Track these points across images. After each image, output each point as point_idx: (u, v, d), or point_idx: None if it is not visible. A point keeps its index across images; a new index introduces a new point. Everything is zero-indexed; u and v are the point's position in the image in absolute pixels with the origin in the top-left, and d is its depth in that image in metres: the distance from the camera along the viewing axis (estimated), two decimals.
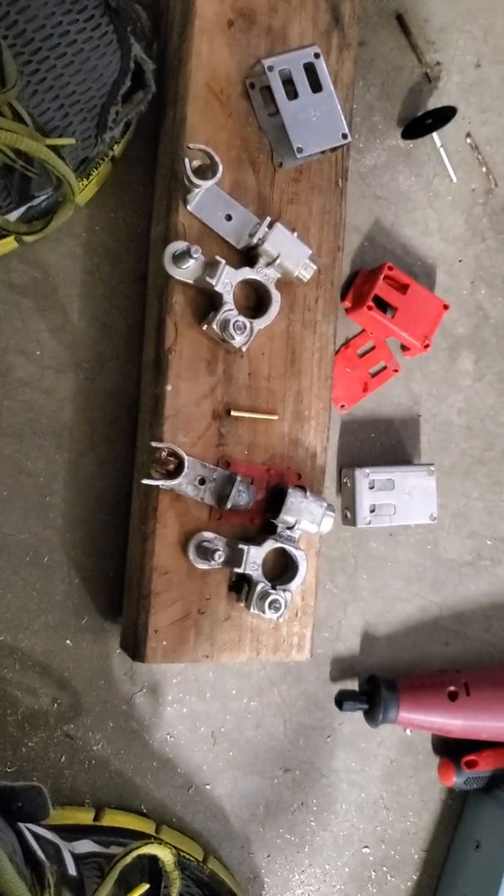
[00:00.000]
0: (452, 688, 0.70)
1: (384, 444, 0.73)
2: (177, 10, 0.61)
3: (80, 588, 0.64)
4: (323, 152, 0.60)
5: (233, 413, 0.60)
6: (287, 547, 0.60)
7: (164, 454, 0.56)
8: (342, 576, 0.72)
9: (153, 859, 0.59)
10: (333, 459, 0.72)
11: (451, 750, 0.74)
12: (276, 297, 0.59)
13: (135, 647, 0.59)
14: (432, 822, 0.75)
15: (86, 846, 0.59)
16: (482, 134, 0.75)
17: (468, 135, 0.74)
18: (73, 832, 0.61)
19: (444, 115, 0.70)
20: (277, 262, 0.58)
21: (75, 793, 0.65)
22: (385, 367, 0.72)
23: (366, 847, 0.73)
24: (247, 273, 0.58)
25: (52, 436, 0.63)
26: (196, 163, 0.55)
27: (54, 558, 0.64)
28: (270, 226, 0.57)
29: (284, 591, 0.59)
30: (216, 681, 0.69)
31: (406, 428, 0.74)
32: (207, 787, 0.69)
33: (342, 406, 0.71)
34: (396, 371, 0.72)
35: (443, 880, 0.75)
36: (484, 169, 0.75)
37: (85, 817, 0.64)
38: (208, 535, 0.59)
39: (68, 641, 0.64)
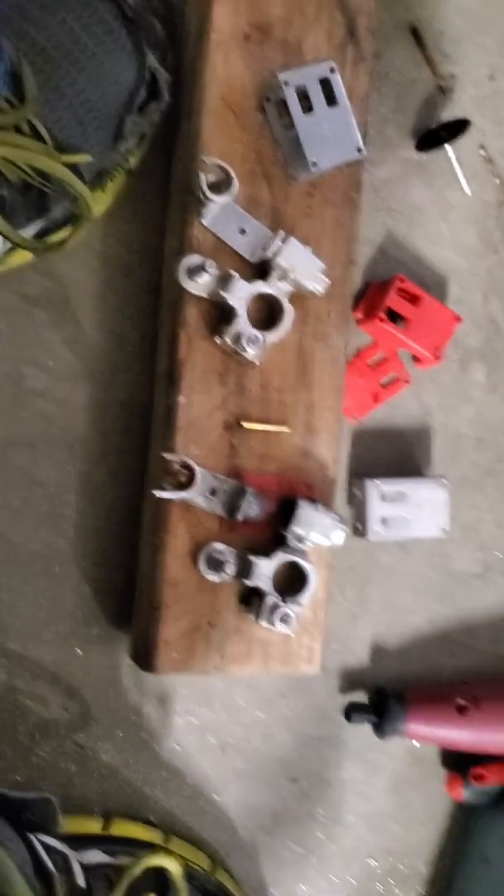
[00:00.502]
0: (461, 701, 0.70)
1: (394, 454, 0.73)
2: (192, 23, 0.61)
3: (90, 598, 0.65)
4: (338, 166, 0.60)
5: (244, 425, 0.60)
6: (297, 560, 0.60)
7: (175, 466, 0.56)
8: (351, 587, 0.72)
9: (160, 869, 0.59)
10: (344, 470, 0.72)
11: (459, 763, 0.74)
12: (288, 310, 0.59)
13: (145, 659, 0.59)
14: (440, 836, 0.75)
15: (94, 856, 0.59)
16: (496, 146, 0.75)
17: (482, 147, 0.74)
18: (81, 841, 0.61)
19: (458, 128, 0.70)
20: (291, 276, 0.58)
21: (84, 802, 0.65)
22: (396, 378, 0.72)
23: (372, 859, 0.73)
24: (260, 287, 0.58)
25: (65, 446, 0.64)
26: (211, 177, 0.56)
27: (65, 568, 0.64)
28: (284, 240, 0.58)
29: (295, 604, 0.60)
30: (225, 692, 0.69)
31: (416, 439, 0.74)
32: (215, 797, 0.69)
33: (353, 417, 0.71)
34: (407, 382, 0.72)
35: (451, 895, 0.75)
36: (497, 181, 0.75)
37: (93, 826, 0.64)
38: (219, 546, 0.59)
39: (78, 651, 0.65)
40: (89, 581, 0.64)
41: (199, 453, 0.59)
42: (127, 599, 0.64)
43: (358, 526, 0.70)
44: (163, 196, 0.65)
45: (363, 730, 0.72)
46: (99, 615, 0.65)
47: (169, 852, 0.61)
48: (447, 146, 0.71)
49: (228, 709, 0.69)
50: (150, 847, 0.63)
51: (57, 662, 0.64)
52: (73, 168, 0.55)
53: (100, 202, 0.60)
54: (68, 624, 0.64)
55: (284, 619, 0.59)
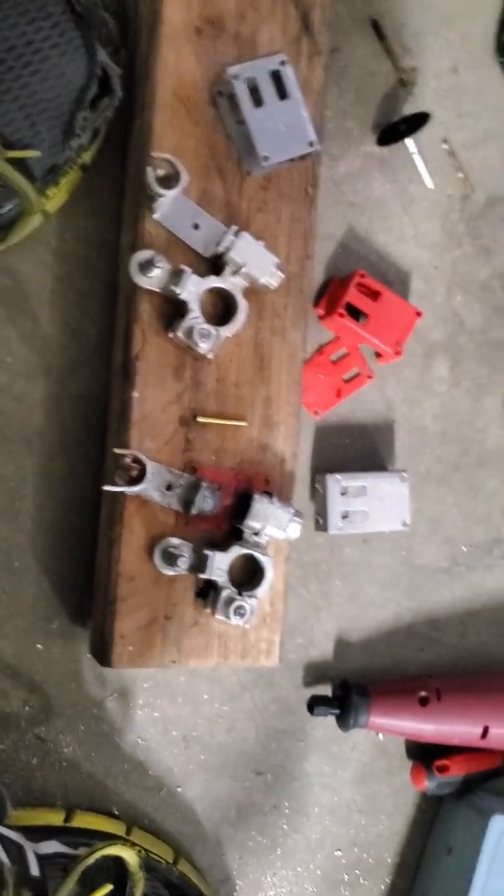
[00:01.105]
0: (423, 693, 0.70)
1: (358, 449, 0.73)
2: (145, 18, 0.61)
3: (50, 592, 0.65)
4: (291, 160, 0.60)
5: (200, 419, 0.60)
6: (254, 553, 0.60)
7: (127, 460, 0.56)
8: (315, 581, 0.72)
9: (120, 861, 0.59)
10: (307, 465, 0.72)
11: (424, 754, 0.75)
12: (242, 305, 0.59)
13: (101, 652, 0.60)
14: (406, 826, 0.76)
15: (52, 847, 0.59)
16: (459, 139, 0.75)
17: (445, 140, 0.75)
18: (41, 833, 0.61)
19: (418, 121, 0.70)
20: (244, 270, 0.58)
21: (46, 794, 0.66)
22: (358, 374, 0.72)
23: (338, 850, 0.74)
24: (213, 281, 0.58)
25: (22, 441, 0.64)
26: (160, 172, 0.56)
27: (24, 562, 0.64)
28: (237, 234, 0.58)
29: (251, 597, 0.60)
30: (187, 685, 0.69)
31: (381, 434, 0.74)
32: (179, 789, 0.69)
33: (316, 412, 0.72)
34: (370, 377, 0.72)
35: (416, 885, 0.75)
36: (461, 174, 0.75)
37: (55, 818, 0.64)
38: (174, 541, 0.59)
39: (39, 645, 0.65)
40: (49, 575, 0.65)
41: (154, 448, 0.59)
42: (87, 593, 0.65)
43: (319, 520, 0.71)
44: (119, 192, 0.65)
45: (328, 723, 0.72)
46: (59, 609, 0.65)
47: (126, 843, 0.62)
48: (408, 140, 0.71)
49: (191, 702, 0.69)
50: (112, 838, 0.64)
51: (17, 656, 0.64)
52: (23, 164, 0.55)
53: (53, 198, 0.61)
54: (28, 618, 0.64)
55: (240, 612, 0.59)
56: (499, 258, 0.76)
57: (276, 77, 0.59)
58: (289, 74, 0.59)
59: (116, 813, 0.68)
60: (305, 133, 0.59)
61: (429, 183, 0.73)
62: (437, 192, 0.74)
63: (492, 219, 0.76)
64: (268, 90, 0.58)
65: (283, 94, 0.59)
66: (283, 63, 0.59)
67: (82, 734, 0.66)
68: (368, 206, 0.73)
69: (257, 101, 0.58)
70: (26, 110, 0.54)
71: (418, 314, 0.70)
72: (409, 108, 0.73)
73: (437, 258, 0.75)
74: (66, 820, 0.64)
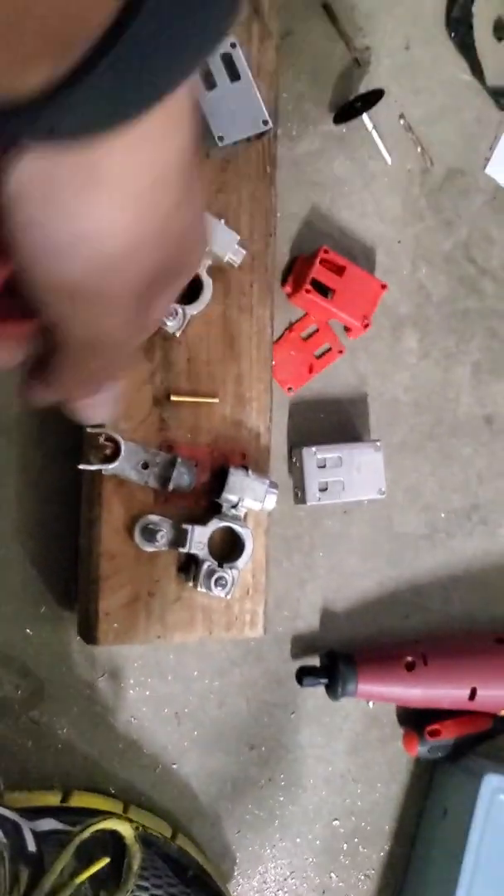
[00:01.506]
0: (410, 658, 0.71)
1: (333, 423, 0.75)
2: None
3: (36, 578, 0.66)
4: (249, 140, 0.61)
5: (173, 398, 0.61)
6: (233, 525, 0.62)
7: (101, 439, 0.57)
8: (298, 554, 0.74)
9: (117, 835, 0.61)
10: (284, 441, 0.73)
11: (415, 720, 0.76)
12: (207, 283, 0.61)
13: (88, 631, 0.61)
14: (401, 793, 0.77)
15: (49, 824, 0.60)
16: (416, 115, 0.76)
17: (401, 116, 0.76)
18: (38, 812, 0.63)
19: (373, 98, 0.71)
20: (206, 248, 0.60)
21: (43, 777, 0.67)
22: (330, 349, 0.74)
23: (336, 820, 0.75)
24: None
25: (2, 430, 0.65)
26: None
27: (10, 549, 0.65)
28: None
29: (232, 568, 0.61)
30: (177, 663, 0.70)
31: (354, 407, 0.75)
32: (174, 766, 0.70)
33: (289, 388, 0.73)
34: (341, 352, 0.74)
35: (414, 849, 0.76)
36: (419, 149, 0.76)
37: (52, 800, 0.65)
38: (153, 518, 0.60)
39: (28, 630, 0.66)
40: (34, 561, 0.66)
41: (130, 428, 0.60)
42: (72, 578, 0.66)
43: (298, 493, 0.72)
44: None
45: (318, 694, 0.74)
46: (46, 594, 0.66)
47: (121, 817, 0.63)
48: (364, 117, 0.73)
49: (181, 679, 0.70)
50: (109, 815, 0.65)
51: (7, 642, 0.66)
52: None
53: None
54: (16, 604, 0.66)
55: (221, 584, 0.60)
56: (460, 230, 0.77)
57: (228, 60, 0.60)
58: (239, 56, 0.60)
59: (113, 792, 0.69)
60: (259, 112, 0.60)
61: (388, 159, 0.75)
62: (397, 168, 0.76)
63: (451, 192, 0.77)
64: (219, 72, 0.60)
65: (234, 75, 0.60)
66: (233, 45, 0.60)
67: (76, 716, 0.68)
68: (329, 184, 0.74)
69: (210, 83, 0.60)
70: None
71: (383, 286, 0.71)
72: (365, 87, 0.75)
73: (400, 232, 0.76)
74: (64, 800, 0.66)
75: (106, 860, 0.57)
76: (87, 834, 0.57)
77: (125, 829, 0.59)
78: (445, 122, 0.77)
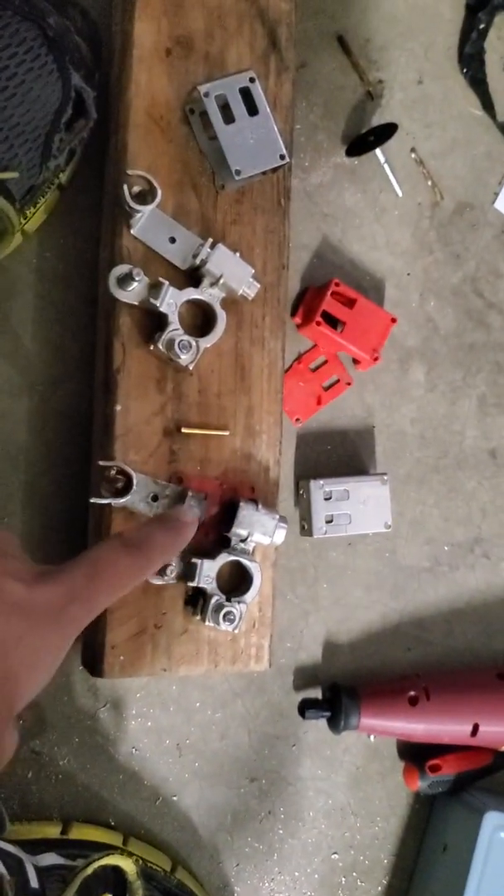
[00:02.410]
0: (413, 693, 0.71)
1: (340, 455, 0.75)
2: (116, 41, 0.62)
3: None
4: (264, 173, 0.61)
5: (183, 430, 0.61)
6: (241, 559, 0.61)
7: (112, 472, 0.57)
8: (302, 586, 0.73)
9: (118, 871, 0.60)
10: (290, 472, 0.73)
11: (415, 754, 0.75)
12: (221, 315, 0.60)
13: (93, 664, 0.60)
14: (400, 827, 0.76)
15: (50, 859, 0.60)
16: (426, 148, 0.77)
17: (413, 150, 0.76)
18: (39, 846, 0.62)
19: (386, 132, 0.72)
20: (221, 281, 0.59)
21: (43, 807, 0.66)
22: (338, 381, 0.74)
23: (335, 853, 0.74)
24: (191, 293, 0.59)
25: (8, 458, 0.65)
26: (136, 188, 0.57)
27: None
28: (213, 247, 0.59)
29: (240, 602, 0.61)
30: (179, 694, 0.70)
31: (361, 439, 0.75)
32: (174, 798, 0.70)
33: (297, 419, 0.73)
34: (349, 384, 0.74)
35: (413, 884, 0.76)
36: (430, 182, 0.77)
37: (52, 831, 0.65)
38: None
39: None
40: None
41: (139, 460, 0.60)
42: None
43: (304, 525, 0.72)
44: (97, 210, 0.66)
45: (319, 726, 0.73)
46: None
47: (123, 852, 0.62)
48: (377, 150, 0.73)
49: (184, 710, 0.70)
50: (109, 849, 0.64)
51: None
52: (2, 185, 0.56)
53: (32, 218, 0.62)
54: None
55: (229, 618, 0.60)
56: (469, 264, 0.78)
57: (246, 93, 0.60)
58: (258, 91, 0.60)
59: (113, 824, 0.68)
60: (276, 146, 0.60)
61: (399, 192, 0.75)
62: (408, 201, 0.76)
63: (461, 225, 0.77)
64: (238, 106, 0.60)
65: (252, 109, 0.60)
66: (251, 80, 0.60)
67: (76, 746, 0.67)
68: (341, 215, 0.74)
69: (228, 117, 0.60)
70: (4, 133, 0.55)
71: (393, 320, 0.71)
72: (377, 120, 0.75)
73: (410, 265, 0.76)
74: (63, 832, 0.65)
75: None
76: (90, 870, 0.56)
77: (127, 865, 0.59)
78: (456, 157, 0.77)
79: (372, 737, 0.75)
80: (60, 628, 0.39)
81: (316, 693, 0.74)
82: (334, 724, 0.71)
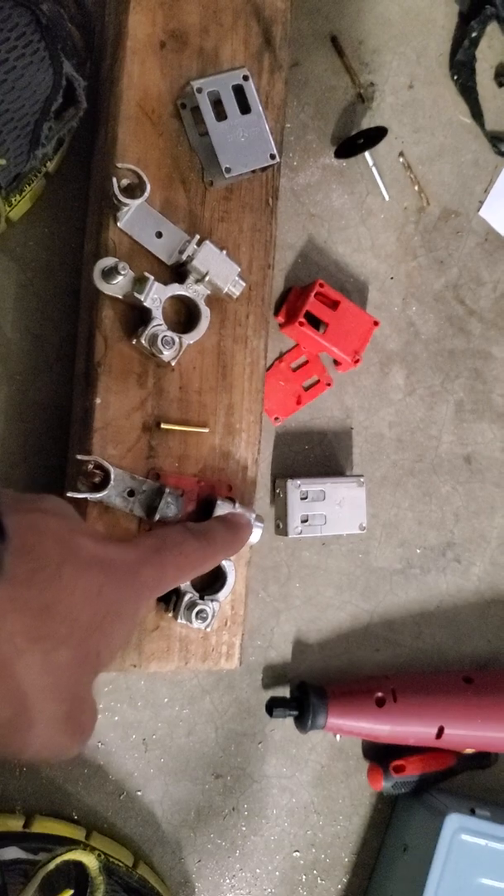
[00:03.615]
0: (380, 694, 0.71)
1: (318, 455, 0.75)
2: (110, 31, 0.62)
3: None
4: (253, 172, 0.61)
5: (163, 426, 0.61)
6: None
7: (89, 466, 0.57)
8: (275, 584, 0.74)
9: (80, 866, 0.60)
10: (268, 470, 0.73)
11: (380, 755, 0.76)
12: (205, 312, 0.60)
13: None
14: (362, 826, 0.77)
15: (12, 853, 0.59)
16: (415, 153, 0.77)
17: (401, 154, 0.76)
18: (1, 839, 0.62)
19: (376, 135, 0.72)
20: (207, 278, 0.59)
21: (6, 800, 0.66)
22: (318, 381, 0.74)
23: (296, 851, 0.75)
24: (176, 289, 0.59)
25: None
26: (125, 181, 0.57)
27: None
28: (199, 243, 0.59)
29: (212, 601, 0.61)
30: (148, 689, 0.70)
31: (339, 440, 0.75)
32: (139, 793, 0.70)
33: (276, 418, 0.73)
34: (329, 385, 0.74)
35: (372, 883, 0.77)
36: (416, 188, 0.77)
37: (14, 824, 0.64)
38: None
39: None
40: None
41: (117, 454, 0.59)
42: None
43: (280, 524, 0.72)
44: (83, 201, 0.66)
45: (286, 725, 0.74)
46: None
47: (87, 848, 0.62)
48: (366, 153, 0.73)
49: (151, 706, 0.70)
50: (71, 843, 0.64)
51: None
52: None
53: (17, 205, 0.61)
54: None
55: (201, 616, 0.60)
56: (451, 270, 0.78)
57: (239, 91, 0.60)
58: (251, 89, 0.60)
59: (76, 817, 0.68)
60: (266, 146, 0.60)
61: (386, 195, 0.75)
62: (394, 205, 0.76)
63: (445, 231, 0.78)
64: (230, 104, 0.59)
65: (245, 107, 0.60)
66: (245, 78, 0.60)
67: None
68: (327, 216, 0.74)
69: (220, 114, 0.59)
70: None
71: (376, 323, 0.71)
72: (367, 122, 0.75)
73: (394, 269, 0.76)
74: (26, 825, 0.65)
75: (70, 892, 0.57)
76: (51, 866, 0.56)
77: (90, 861, 0.59)
78: (443, 163, 0.78)
79: (338, 736, 0.76)
80: (136, 588, 0.40)
81: (284, 692, 0.74)
82: (301, 722, 0.71)
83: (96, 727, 0.67)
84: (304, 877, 0.75)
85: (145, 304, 0.57)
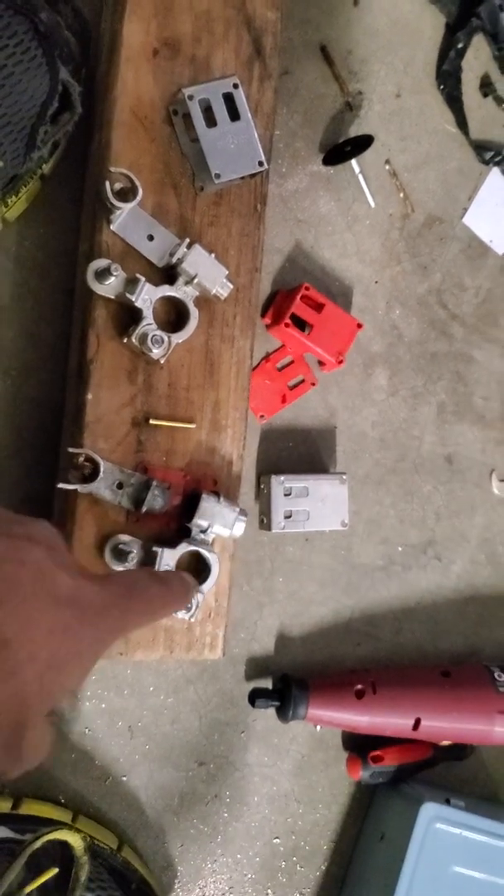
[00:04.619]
0: (360, 686, 0.73)
1: (302, 453, 0.77)
2: (105, 39, 0.64)
3: None
4: (242, 178, 0.63)
5: (152, 421, 0.63)
6: (201, 550, 0.63)
7: (80, 459, 0.59)
8: (259, 579, 0.76)
9: (66, 846, 0.62)
10: (253, 467, 0.75)
11: (359, 746, 0.78)
12: (193, 313, 0.62)
13: None
14: (341, 815, 0.79)
15: (0, 832, 0.61)
16: (400, 161, 0.79)
17: (387, 162, 0.79)
18: None
19: (363, 143, 0.74)
20: (196, 280, 0.61)
21: None
22: (303, 381, 0.76)
23: (277, 838, 0.77)
24: (166, 290, 0.61)
25: None
26: (118, 185, 0.59)
27: None
28: (189, 246, 0.61)
29: (197, 592, 0.63)
30: (134, 678, 0.72)
31: (323, 438, 0.77)
32: (124, 778, 0.72)
33: (262, 416, 0.75)
34: (314, 384, 0.76)
35: (350, 870, 0.79)
36: (402, 195, 0.79)
37: (3, 805, 0.66)
38: (124, 537, 0.62)
39: None
40: None
41: (107, 448, 0.61)
42: None
43: (264, 519, 0.74)
44: (78, 203, 0.68)
45: (268, 715, 0.76)
46: None
47: (72, 828, 0.64)
48: (352, 161, 0.75)
49: (137, 694, 0.72)
50: (59, 825, 0.66)
51: None
52: None
53: (13, 206, 0.63)
54: None
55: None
56: (435, 275, 0.80)
57: (229, 99, 0.62)
58: (241, 97, 0.62)
59: (63, 801, 0.70)
60: (255, 153, 0.62)
61: (371, 202, 0.77)
62: (379, 211, 0.78)
63: (429, 238, 0.80)
64: (221, 111, 0.62)
65: (234, 115, 0.62)
66: (235, 86, 0.62)
67: None
68: (314, 222, 0.76)
69: (211, 120, 0.61)
70: None
71: (359, 326, 0.74)
72: (355, 130, 0.77)
73: (378, 273, 0.79)
74: (14, 807, 0.66)
75: (55, 871, 0.59)
76: (38, 844, 0.58)
77: (75, 841, 0.61)
78: (429, 171, 0.80)
79: (318, 727, 0.78)
80: (101, 631, 0.40)
81: (266, 683, 0.76)
82: (283, 713, 0.73)
83: (84, 713, 0.69)
84: (283, 863, 0.77)
85: (136, 304, 0.59)
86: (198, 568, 0.65)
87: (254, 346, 0.68)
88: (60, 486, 0.58)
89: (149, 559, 0.62)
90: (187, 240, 0.61)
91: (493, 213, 0.82)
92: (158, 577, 0.48)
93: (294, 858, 0.78)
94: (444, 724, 0.75)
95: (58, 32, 0.59)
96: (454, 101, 0.81)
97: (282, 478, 0.72)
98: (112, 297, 0.60)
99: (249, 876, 0.76)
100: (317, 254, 0.77)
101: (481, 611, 0.83)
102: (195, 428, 0.65)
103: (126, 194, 0.59)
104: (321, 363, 0.76)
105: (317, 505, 0.73)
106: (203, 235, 0.65)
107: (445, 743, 0.78)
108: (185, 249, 0.61)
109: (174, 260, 0.61)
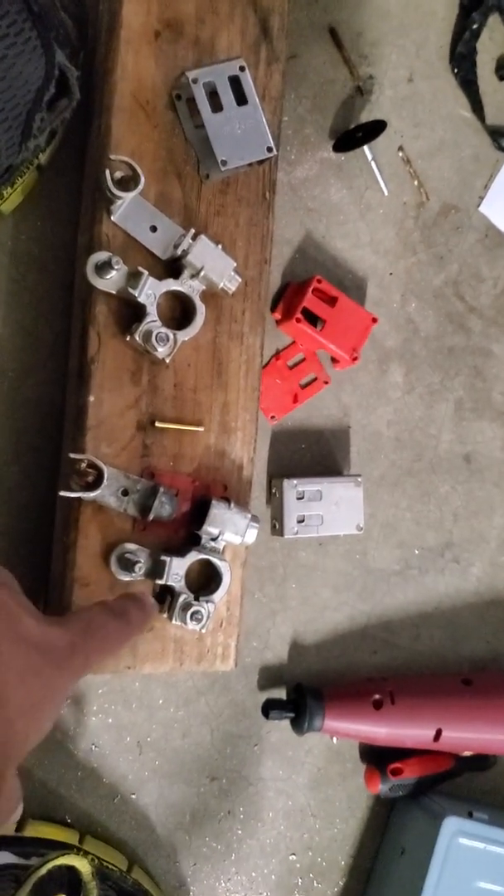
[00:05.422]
0: (377, 696, 0.70)
1: (315, 454, 0.74)
2: (103, 20, 0.61)
3: None
4: (249, 165, 0.60)
5: (157, 424, 0.60)
6: (211, 558, 0.60)
7: (83, 465, 0.56)
8: (271, 585, 0.73)
9: (73, 870, 0.59)
10: (264, 470, 0.72)
11: (377, 758, 0.75)
12: (200, 308, 0.59)
13: None
14: (359, 829, 0.76)
15: (4, 858, 0.59)
16: (414, 148, 0.76)
17: (400, 148, 0.75)
18: None
19: (375, 129, 0.71)
20: (202, 273, 0.58)
21: None
22: (315, 379, 0.73)
23: (293, 854, 0.74)
24: (170, 284, 0.58)
25: None
26: (119, 174, 0.55)
27: None
28: (195, 238, 0.58)
29: (207, 602, 0.60)
30: (142, 691, 0.69)
31: (336, 439, 0.74)
32: (133, 796, 0.69)
33: (272, 417, 0.72)
34: (326, 383, 0.73)
35: (369, 887, 0.76)
36: (416, 182, 0.76)
37: (6, 828, 0.63)
38: (131, 546, 0.59)
39: None
40: None
41: (111, 453, 0.58)
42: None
43: (276, 524, 0.71)
44: (76, 193, 0.65)
45: (282, 727, 0.73)
46: None
47: (79, 852, 0.61)
48: (364, 147, 0.72)
49: (146, 707, 0.69)
50: (64, 847, 0.63)
51: None
52: None
53: (9, 198, 0.60)
54: None
55: (196, 618, 0.59)
56: (451, 266, 0.77)
57: (235, 82, 0.59)
58: (247, 80, 0.59)
59: (69, 821, 0.67)
60: (263, 138, 0.59)
61: (385, 190, 0.74)
62: (393, 200, 0.75)
63: (445, 227, 0.77)
64: (227, 95, 0.58)
65: (241, 99, 0.59)
66: (242, 69, 0.59)
67: None
68: (325, 211, 0.73)
69: (216, 105, 0.58)
70: None
71: (374, 320, 0.70)
72: (366, 116, 0.74)
73: (392, 265, 0.75)
74: (18, 829, 0.64)
75: None
76: (44, 871, 0.55)
77: (82, 866, 0.58)
78: (443, 158, 0.77)
79: (334, 739, 0.75)
80: (69, 672, 0.40)
81: (280, 693, 0.73)
82: (298, 725, 0.70)
83: (90, 729, 0.66)
84: (300, 880, 0.74)
85: (139, 299, 0.56)
86: (208, 576, 0.62)
87: (264, 343, 0.64)
88: (62, 493, 0.55)
89: (157, 568, 0.59)
90: (192, 230, 0.58)
91: None
92: (114, 612, 0.46)
93: (311, 875, 0.75)
94: (467, 735, 0.72)
95: (53, 13, 0.56)
96: (469, 84, 0.77)
97: (294, 481, 0.69)
98: (113, 292, 0.57)
99: (265, 894, 0.73)
100: (328, 244, 0.73)
101: (503, 615, 0.79)
102: (203, 431, 0.62)
103: (127, 183, 0.56)
104: (334, 360, 0.72)
105: (331, 509, 0.70)
106: (209, 226, 0.61)
107: (467, 753, 0.75)
108: (191, 241, 0.57)
109: (179, 252, 0.58)
